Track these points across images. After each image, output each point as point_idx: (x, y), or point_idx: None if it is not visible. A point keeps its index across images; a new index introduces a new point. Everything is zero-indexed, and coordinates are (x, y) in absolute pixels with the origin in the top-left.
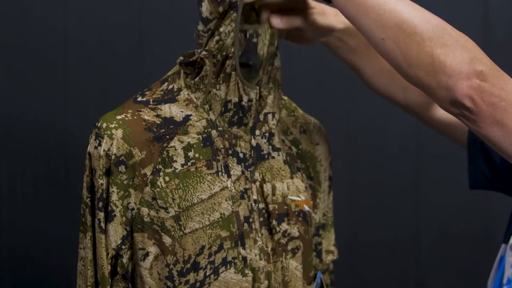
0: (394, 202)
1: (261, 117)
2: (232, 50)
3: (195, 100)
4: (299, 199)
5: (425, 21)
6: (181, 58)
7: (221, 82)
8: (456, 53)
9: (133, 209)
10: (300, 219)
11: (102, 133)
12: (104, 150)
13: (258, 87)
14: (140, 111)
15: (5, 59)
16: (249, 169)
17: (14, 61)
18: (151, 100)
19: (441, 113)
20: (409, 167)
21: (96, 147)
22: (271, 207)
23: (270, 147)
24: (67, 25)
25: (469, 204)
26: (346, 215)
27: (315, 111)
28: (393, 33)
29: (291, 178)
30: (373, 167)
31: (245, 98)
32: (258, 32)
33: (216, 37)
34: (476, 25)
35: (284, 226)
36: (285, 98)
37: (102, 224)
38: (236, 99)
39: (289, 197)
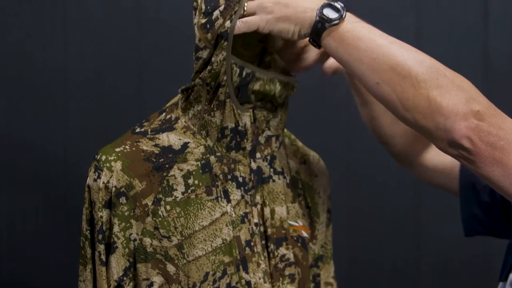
0: (394, 232)
1: (262, 139)
2: (225, 78)
3: (192, 127)
4: (297, 224)
5: (419, 63)
6: (183, 86)
7: (215, 109)
8: (452, 94)
9: (135, 240)
10: (299, 244)
11: (101, 165)
12: (103, 183)
13: (251, 110)
14: (139, 141)
15: (5, 91)
16: (249, 193)
17: (14, 94)
18: (149, 130)
19: (434, 162)
20: (409, 197)
21: (95, 180)
22: (269, 231)
23: (272, 170)
24: (67, 57)
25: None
26: (346, 245)
27: (315, 141)
28: (388, 77)
29: (293, 202)
30: (373, 197)
31: (241, 123)
32: (255, 73)
33: (209, 67)
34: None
35: (282, 250)
36: (285, 129)
37: (103, 257)
38: (233, 125)
39: (288, 221)
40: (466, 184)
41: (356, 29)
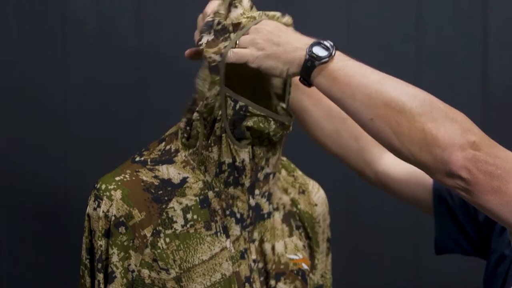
0: (394, 260)
1: (261, 176)
2: (220, 113)
3: (192, 162)
4: (297, 257)
5: (412, 96)
6: (183, 123)
7: (212, 144)
8: (447, 126)
9: (133, 271)
10: (299, 277)
11: (101, 194)
12: (103, 212)
13: (250, 147)
14: (138, 171)
15: (5, 122)
16: (246, 229)
17: (14, 124)
18: (148, 160)
19: (397, 172)
20: (408, 225)
21: (95, 209)
22: (269, 266)
23: (271, 206)
24: (67, 88)
25: (469, 260)
26: (346, 273)
27: (315, 170)
28: (382, 112)
29: (290, 236)
30: (372, 225)
31: (238, 159)
32: (248, 107)
33: (205, 101)
34: (475, 85)
35: (280, 285)
36: (284, 159)
37: (102, 286)
38: (230, 160)
39: (287, 255)
40: (439, 202)
41: (347, 67)
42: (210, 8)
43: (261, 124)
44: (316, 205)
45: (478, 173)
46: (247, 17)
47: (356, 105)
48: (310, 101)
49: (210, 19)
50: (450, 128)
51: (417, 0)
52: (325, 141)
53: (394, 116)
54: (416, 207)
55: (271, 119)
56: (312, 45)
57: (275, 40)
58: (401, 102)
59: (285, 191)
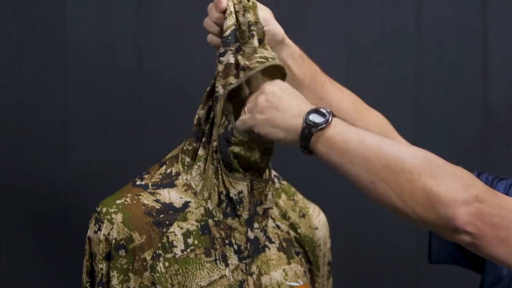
0: (395, 282)
1: (261, 210)
2: (216, 144)
3: (193, 186)
4: (297, 284)
5: (411, 156)
6: (188, 146)
7: (214, 172)
8: (447, 182)
9: None
10: None
11: (102, 217)
12: (104, 235)
13: (248, 180)
14: (139, 195)
15: (6, 138)
16: (244, 261)
17: (15, 142)
18: (150, 184)
19: None
20: (409, 246)
21: (96, 232)
22: None
23: (265, 238)
24: (67, 108)
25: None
26: None
27: (315, 193)
28: (382, 175)
29: (288, 263)
30: (373, 248)
31: (233, 191)
32: (234, 131)
33: (207, 131)
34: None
35: None
36: (284, 182)
37: None
38: (225, 191)
39: (288, 283)
40: None
41: (344, 132)
42: None
43: (247, 153)
44: (316, 228)
45: (484, 226)
46: (259, 59)
47: (357, 170)
48: (313, 99)
49: (231, 31)
50: (451, 184)
51: (417, 17)
52: None
53: (394, 177)
54: (412, 220)
55: (255, 147)
56: (308, 113)
57: (275, 103)
58: (400, 162)
59: (284, 216)
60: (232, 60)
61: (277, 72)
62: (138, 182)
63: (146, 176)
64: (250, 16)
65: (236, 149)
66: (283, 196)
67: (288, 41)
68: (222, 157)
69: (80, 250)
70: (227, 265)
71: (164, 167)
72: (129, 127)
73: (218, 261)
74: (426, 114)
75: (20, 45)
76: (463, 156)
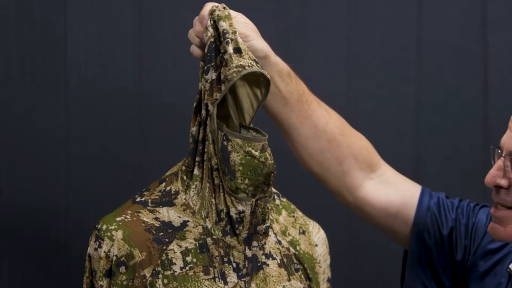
0: None
1: (261, 229)
2: (216, 160)
3: (192, 205)
4: None
5: None
6: (186, 167)
7: (213, 191)
8: None
9: None
10: None
11: (102, 235)
12: (104, 252)
13: (252, 200)
14: (139, 212)
15: (6, 160)
16: (243, 279)
17: (15, 165)
18: (149, 201)
19: (377, 200)
20: None
21: (96, 249)
22: None
23: (263, 256)
24: (68, 131)
25: None
26: None
27: (315, 209)
28: None
29: (288, 280)
30: (374, 264)
31: (233, 210)
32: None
33: (200, 150)
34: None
35: None
36: (284, 199)
37: None
38: (226, 210)
39: None
40: (416, 239)
41: None
42: (206, 11)
43: (247, 157)
44: (316, 245)
45: None
46: (235, 69)
47: None
48: (298, 118)
49: (210, 45)
50: None
51: (417, 39)
52: (308, 160)
53: None
54: (390, 237)
55: (251, 150)
56: None
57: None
58: None
59: (284, 233)
60: (214, 76)
61: (261, 78)
62: (138, 199)
63: (145, 193)
64: (225, 25)
65: (235, 155)
66: (284, 212)
67: (276, 58)
68: (226, 171)
69: (81, 269)
70: (226, 283)
71: (164, 184)
72: (130, 147)
73: (217, 279)
74: (426, 135)
75: (21, 67)
76: (464, 176)
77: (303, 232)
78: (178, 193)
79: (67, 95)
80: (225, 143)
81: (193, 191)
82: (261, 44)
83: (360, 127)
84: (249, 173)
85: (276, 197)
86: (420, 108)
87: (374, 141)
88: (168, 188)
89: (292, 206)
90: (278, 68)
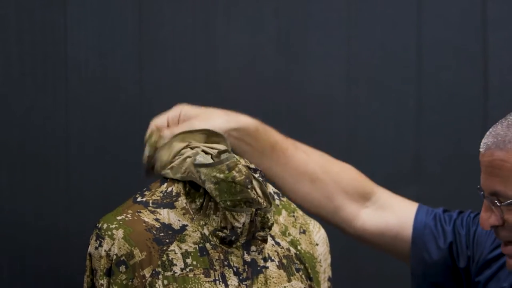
0: None
1: (260, 235)
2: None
3: (191, 211)
4: None
5: None
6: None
7: (213, 209)
8: None
9: None
10: None
11: (103, 233)
12: (105, 251)
13: (252, 210)
14: (140, 212)
15: (5, 158)
16: (244, 283)
17: (15, 167)
18: (150, 201)
19: (374, 226)
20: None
21: (96, 248)
22: None
23: (262, 260)
24: (68, 125)
25: None
26: None
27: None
28: None
29: (289, 281)
30: (374, 264)
31: (237, 224)
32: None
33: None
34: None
35: None
36: (284, 199)
37: None
38: (230, 226)
39: None
40: (416, 260)
41: None
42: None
43: (217, 183)
44: (317, 244)
45: None
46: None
47: None
48: (278, 167)
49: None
50: None
51: (417, 39)
52: (301, 202)
53: None
54: (398, 259)
55: (216, 172)
56: None
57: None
58: None
59: (284, 233)
60: None
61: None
62: (139, 199)
63: (146, 193)
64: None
65: (208, 183)
66: (284, 212)
67: (238, 123)
68: (218, 196)
69: (81, 268)
70: (226, 285)
71: (165, 184)
72: (130, 147)
73: (217, 282)
74: (426, 135)
75: (21, 67)
76: (464, 176)
77: (304, 232)
78: (179, 195)
79: (67, 95)
80: (201, 175)
81: (194, 205)
82: (218, 122)
83: (360, 127)
84: (225, 195)
85: (276, 197)
86: (420, 108)
87: (374, 141)
88: (169, 189)
89: (292, 206)
90: (245, 131)
